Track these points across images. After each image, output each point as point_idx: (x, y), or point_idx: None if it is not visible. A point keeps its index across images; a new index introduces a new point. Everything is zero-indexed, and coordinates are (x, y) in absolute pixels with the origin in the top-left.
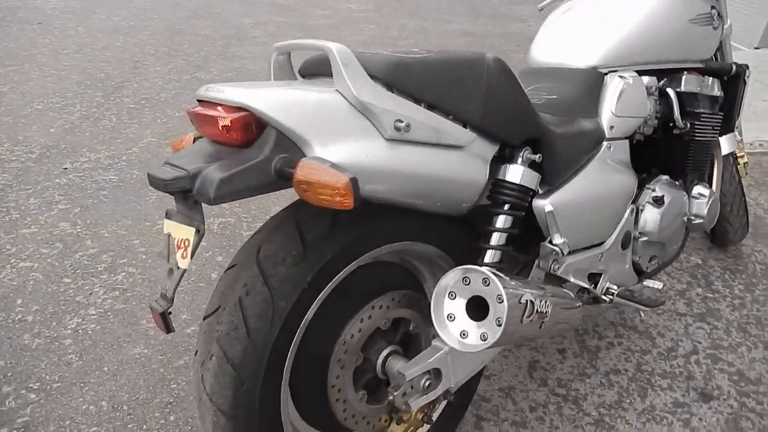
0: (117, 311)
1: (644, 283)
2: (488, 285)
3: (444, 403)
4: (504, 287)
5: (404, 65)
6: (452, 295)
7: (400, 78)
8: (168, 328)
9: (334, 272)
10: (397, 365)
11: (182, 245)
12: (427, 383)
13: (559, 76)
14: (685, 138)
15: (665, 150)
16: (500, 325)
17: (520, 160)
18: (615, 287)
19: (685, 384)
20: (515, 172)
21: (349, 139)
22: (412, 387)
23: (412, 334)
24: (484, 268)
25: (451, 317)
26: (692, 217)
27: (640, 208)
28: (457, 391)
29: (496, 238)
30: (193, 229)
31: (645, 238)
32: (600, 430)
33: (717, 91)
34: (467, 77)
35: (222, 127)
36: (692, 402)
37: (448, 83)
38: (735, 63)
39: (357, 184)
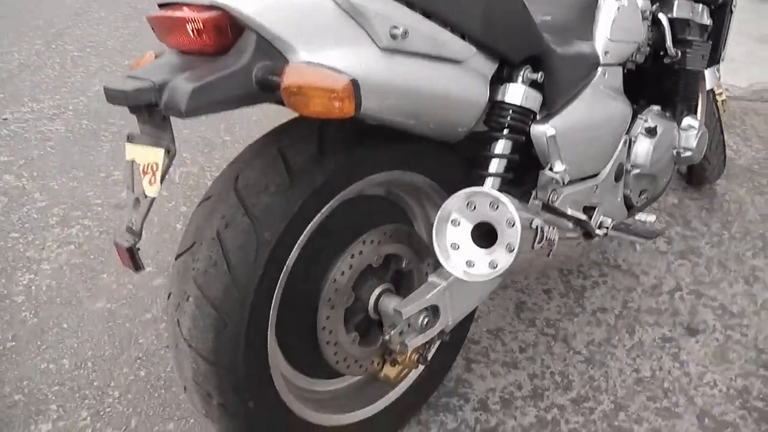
0: (73, 266)
1: (637, 217)
2: (497, 209)
3: (438, 343)
4: (516, 210)
5: None
6: (456, 222)
7: None
8: (136, 266)
9: (323, 202)
10: (392, 304)
11: (149, 170)
12: (425, 321)
13: None
14: (676, 67)
15: (655, 80)
16: (512, 251)
17: (520, 79)
18: (609, 220)
19: (671, 320)
20: (516, 92)
21: (340, 47)
22: (409, 326)
23: (405, 272)
24: (491, 191)
25: (455, 246)
26: (681, 150)
27: (633, 139)
28: (451, 331)
29: (495, 165)
30: (162, 150)
31: (637, 171)
32: (591, 367)
33: (706, 19)
34: None
35: (192, 30)
36: (679, 336)
37: None
38: None
39: (358, 86)
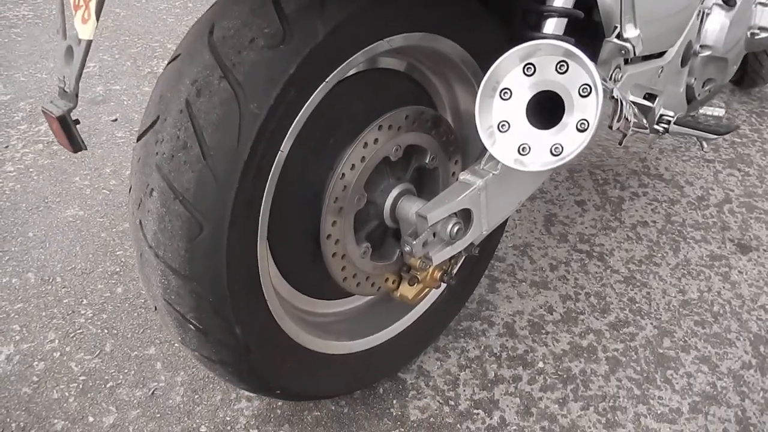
0: (41, 167)
1: (702, 110)
2: (566, 71)
3: (463, 258)
4: (596, 71)
5: None
6: (506, 93)
7: None
8: (73, 143)
9: (327, 67)
10: (413, 207)
11: (81, 3)
12: (456, 229)
13: None
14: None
15: None
16: (584, 130)
17: None
18: (670, 113)
19: (720, 235)
20: None
21: None
22: (434, 235)
23: (429, 170)
24: (561, 42)
25: (503, 126)
26: (756, 31)
27: (707, 11)
28: (480, 243)
29: (553, 25)
30: None
31: (707, 53)
32: (631, 288)
33: None
34: None
35: None
36: (730, 254)
37: None
38: None
39: None
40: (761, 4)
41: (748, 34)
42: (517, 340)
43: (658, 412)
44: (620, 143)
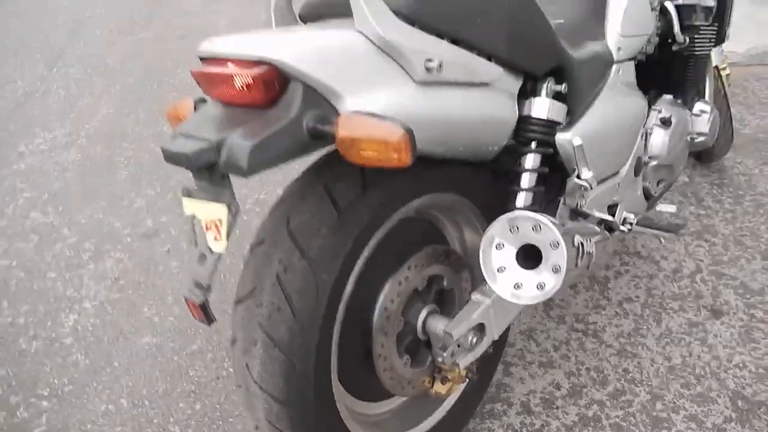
0: (114, 301)
1: (658, 208)
2: (540, 231)
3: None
4: (559, 231)
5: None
6: (500, 246)
7: (422, 10)
8: (209, 319)
9: (370, 236)
10: (439, 325)
11: (212, 226)
12: (474, 339)
13: None
14: (685, 54)
15: (665, 68)
16: (558, 272)
17: (544, 92)
18: (632, 216)
19: (695, 303)
20: (542, 106)
21: (380, 87)
22: (459, 345)
23: (446, 290)
24: (533, 214)
25: (501, 269)
26: (695, 136)
27: (649, 131)
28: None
29: (527, 179)
30: (224, 207)
31: (654, 162)
32: (624, 360)
33: (711, 1)
34: (490, 3)
35: (243, 85)
36: (705, 320)
37: (472, 12)
38: None
39: (413, 135)
40: (694, 115)
41: (689, 139)
42: (533, 417)
43: None
44: (587, 267)
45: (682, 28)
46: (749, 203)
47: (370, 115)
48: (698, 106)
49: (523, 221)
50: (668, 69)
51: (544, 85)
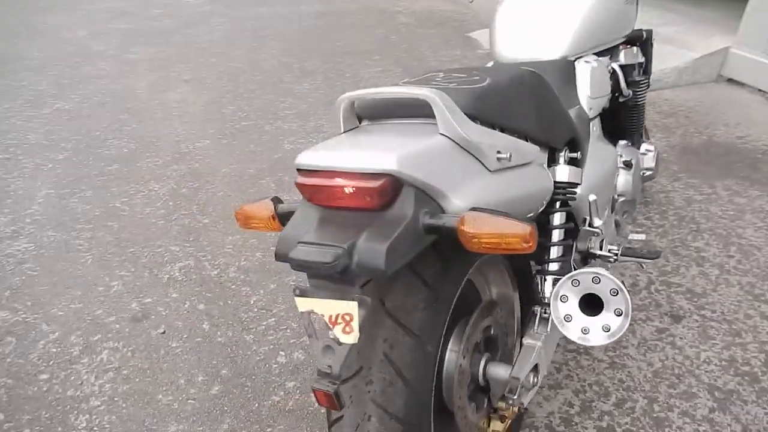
0: (124, 394)
1: (630, 237)
2: (599, 282)
3: None
4: (618, 280)
5: (482, 96)
6: (564, 299)
7: (482, 110)
8: (340, 405)
9: (452, 304)
10: (500, 371)
11: (340, 320)
12: (534, 379)
13: (540, 70)
14: (630, 104)
15: (615, 118)
16: (620, 315)
17: (562, 160)
18: (615, 248)
19: (657, 311)
20: (564, 172)
21: (469, 181)
22: (521, 386)
23: (492, 338)
24: (594, 269)
25: (568, 318)
26: (645, 171)
27: (616, 174)
28: None
29: (557, 235)
30: (354, 303)
31: (623, 198)
32: (616, 371)
33: (641, 57)
34: (524, 94)
35: (365, 196)
36: (669, 326)
37: (514, 104)
38: (644, 29)
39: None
40: (642, 153)
41: (642, 173)
42: None
43: None
44: None
45: (627, 84)
46: (673, 217)
47: (491, 213)
48: (644, 146)
49: (584, 276)
50: (619, 119)
51: (562, 154)
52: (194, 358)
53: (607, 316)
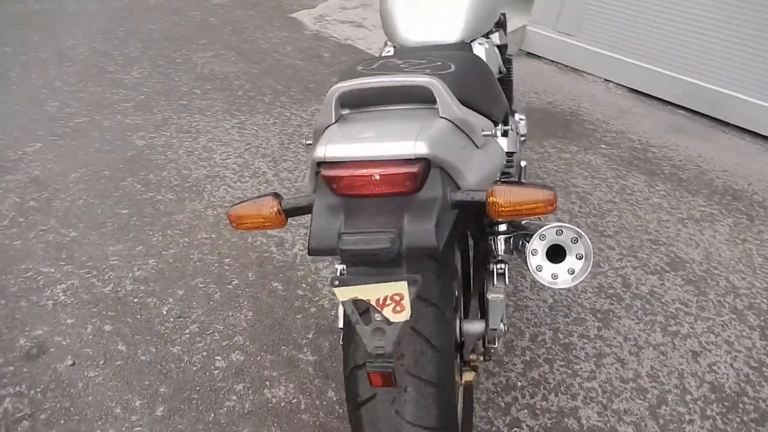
0: None
1: None
2: (562, 233)
3: None
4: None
5: (457, 80)
6: (534, 252)
7: (460, 93)
8: (395, 383)
9: (455, 270)
10: (475, 326)
11: (389, 301)
12: (503, 326)
13: (444, 52)
14: (504, 80)
15: None
16: (581, 258)
17: (499, 132)
18: None
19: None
20: (505, 143)
21: (470, 158)
22: (497, 335)
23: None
24: (554, 224)
25: (539, 268)
26: (522, 137)
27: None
28: None
29: None
30: (404, 283)
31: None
32: (522, 312)
33: (505, 38)
34: (480, 76)
35: (406, 180)
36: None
37: (476, 86)
38: (502, 12)
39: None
40: (519, 121)
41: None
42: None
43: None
44: None
45: (504, 62)
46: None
47: (514, 184)
48: (517, 115)
49: (549, 230)
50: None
51: (499, 127)
52: (122, 384)
53: (570, 260)
